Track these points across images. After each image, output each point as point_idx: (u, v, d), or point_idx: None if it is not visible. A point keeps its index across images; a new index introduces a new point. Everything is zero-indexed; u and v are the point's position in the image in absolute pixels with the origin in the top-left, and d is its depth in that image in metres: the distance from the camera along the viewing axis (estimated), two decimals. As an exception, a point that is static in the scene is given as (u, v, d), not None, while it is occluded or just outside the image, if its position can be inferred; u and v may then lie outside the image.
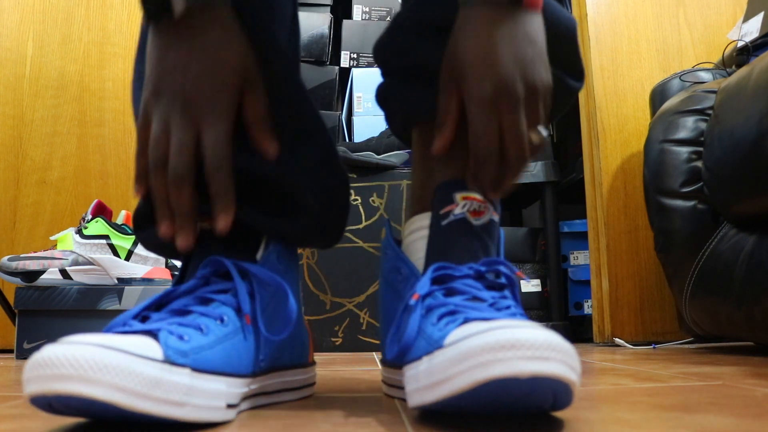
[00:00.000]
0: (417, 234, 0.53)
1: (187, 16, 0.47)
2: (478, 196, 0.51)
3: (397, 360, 0.44)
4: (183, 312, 0.44)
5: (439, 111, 0.51)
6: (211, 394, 0.40)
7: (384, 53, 0.59)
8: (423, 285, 0.46)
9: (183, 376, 0.37)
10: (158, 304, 0.45)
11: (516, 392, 0.34)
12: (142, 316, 0.44)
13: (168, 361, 0.37)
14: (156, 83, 0.47)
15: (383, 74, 0.60)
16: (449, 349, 0.35)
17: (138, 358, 0.35)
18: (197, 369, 0.39)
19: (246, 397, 0.47)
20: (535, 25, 0.49)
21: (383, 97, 0.60)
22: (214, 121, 0.46)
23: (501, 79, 0.47)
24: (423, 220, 0.53)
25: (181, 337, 0.40)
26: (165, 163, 0.47)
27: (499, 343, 0.32)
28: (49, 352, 0.33)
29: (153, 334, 0.39)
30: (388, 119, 0.62)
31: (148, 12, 0.48)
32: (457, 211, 0.51)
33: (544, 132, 0.49)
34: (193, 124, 0.46)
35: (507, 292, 0.48)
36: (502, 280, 0.49)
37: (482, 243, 0.51)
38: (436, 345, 0.38)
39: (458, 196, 0.51)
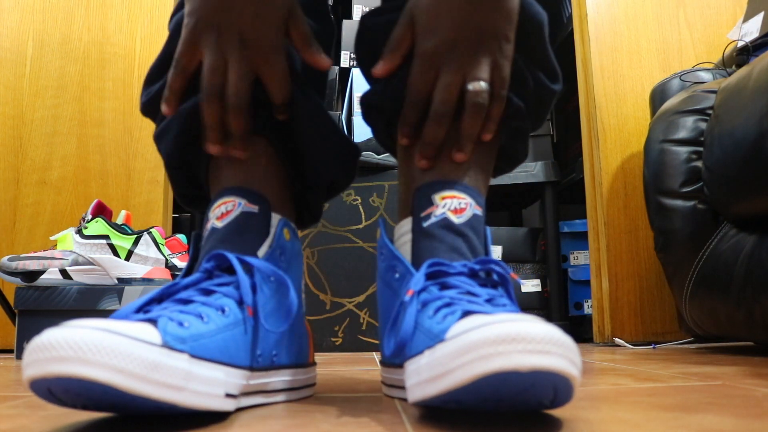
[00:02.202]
0: (404, 238, 0.53)
1: None
2: (458, 194, 0.52)
3: (395, 356, 0.44)
4: (184, 302, 0.45)
5: (390, 40, 0.54)
6: (210, 381, 0.40)
7: (359, 52, 0.62)
8: (417, 281, 0.46)
9: (181, 361, 0.37)
10: (160, 298, 0.46)
11: (517, 386, 0.34)
12: (144, 309, 0.44)
13: (166, 345, 0.37)
14: (209, 18, 0.50)
15: (365, 76, 0.62)
16: (451, 342, 0.35)
17: (137, 341, 0.35)
18: (195, 356, 0.39)
19: (246, 394, 0.47)
20: None
21: (366, 106, 0.61)
22: (273, 60, 0.52)
23: (446, 37, 0.50)
24: (407, 225, 0.53)
25: (180, 324, 0.40)
26: (219, 92, 0.51)
27: (500, 337, 0.32)
28: (48, 335, 0.33)
29: (152, 321, 0.40)
30: (373, 131, 0.64)
31: None
32: (438, 212, 0.51)
33: (483, 87, 0.50)
34: (252, 62, 0.51)
35: (501, 291, 0.48)
36: (495, 278, 0.49)
37: (466, 240, 0.51)
38: (438, 339, 0.38)
39: (437, 197, 0.52)
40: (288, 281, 0.49)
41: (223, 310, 0.45)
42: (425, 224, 0.51)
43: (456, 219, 0.51)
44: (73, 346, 0.32)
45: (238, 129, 0.52)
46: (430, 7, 0.51)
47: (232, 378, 0.43)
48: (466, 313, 0.40)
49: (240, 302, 0.46)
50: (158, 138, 0.59)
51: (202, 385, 0.39)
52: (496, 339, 0.32)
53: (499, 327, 0.33)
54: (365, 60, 0.61)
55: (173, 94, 0.53)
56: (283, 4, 0.51)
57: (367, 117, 0.62)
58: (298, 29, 0.53)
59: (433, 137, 0.52)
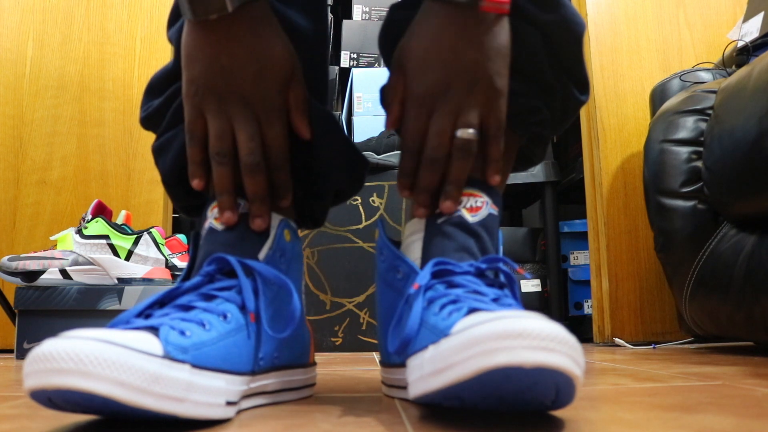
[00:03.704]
0: (414, 237, 0.53)
1: (235, 12, 0.47)
2: (476, 192, 0.51)
3: (399, 353, 0.44)
4: (186, 308, 0.44)
5: (386, 90, 0.53)
6: (211, 391, 0.40)
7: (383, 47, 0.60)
8: (423, 276, 0.46)
9: (183, 372, 0.37)
10: (162, 302, 0.45)
11: (519, 383, 0.34)
12: (146, 314, 0.44)
13: (168, 356, 0.37)
14: (210, 83, 0.49)
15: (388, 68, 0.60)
16: (455, 337, 0.35)
17: (138, 353, 0.35)
18: (197, 365, 0.39)
19: (246, 396, 0.47)
20: (493, 30, 0.48)
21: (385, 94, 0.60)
22: (274, 119, 0.51)
23: (435, 81, 0.48)
24: (418, 224, 0.53)
25: (182, 333, 0.40)
26: (230, 155, 0.50)
27: (505, 332, 0.32)
28: (49, 346, 0.33)
29: (154, 329, 0.39)
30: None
31: (197, 13, 0.47)
32: None
33: (472, 134, 0.49)
34: (255, 120, 0.50)
35: (507, 291, 0.48)
36: (502, 278, 0.49)
37: (479, 240, 0.51)
38: (443, 334, 0.38)
39: None
40: (291, 286, 0.49)
41: (224, 316, 0.44)
42: (439, 221, 0.51)
43: (471, 218, 0.51)
44: (74, 358, 0.32)
45: (256, 191, 0.51)
46: (417, 52, 0.49)
47: (234, 385, 0.43)
48: (472, 310, 0.40)
49: (242, 307, 0.46)
50: (156, 152, 0.58)
51: (203, 395, 0.39)
52: (501, 334, 0.32)
53: (505, 322, 0.33)
54: (389, 52, 0.60)
55: (198, 166, 0.51)
56: (285, 63, 0.50)
57: (384, 104, 0.62)
58: (296, 92, 0.52)
59: (427, 184, 0.51)
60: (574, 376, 0.33)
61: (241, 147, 0.50)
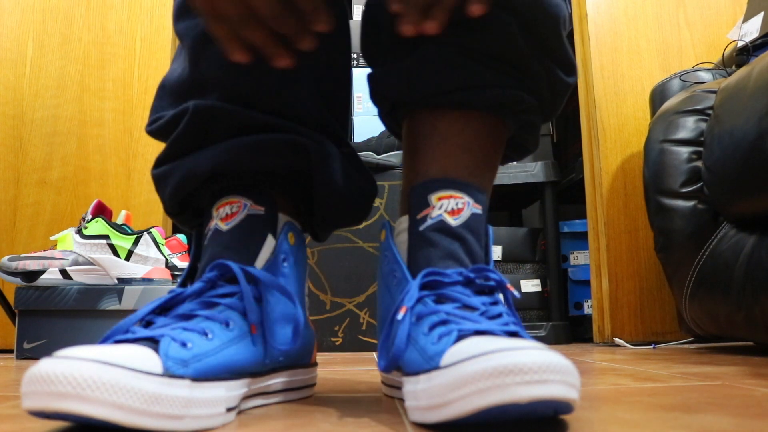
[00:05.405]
0: (402, 236, 0.52)
1: None
2: (455, 193, 0.50)
3: (388, 371, 0.44)
4: (188, 316, 0.44)
5: None
6: (211, 402, 0.40)
7: (363, 43, 0.59)
8: (411, 297, 0.45)
9: (182, 389, 0.37)
10: (163, 308, 0.45)
11: (517, 413, 0.34)
12: (147, 320, 0.44)
13: (167, 374, 0.37)
14: None
15: (370, 65, 0.60)
16: (447, 372, 0.35)
17: (136, 372, 0.34)
18: (197, 378, 0.39)
19: (246, 397, 0.47)
20: None
21: (371, 87, 0.59)
22: None
23: None
24: (406, 223, 0.52)
25: (183, 344, 0.39)
26: (249, 14, 0.46)
27: (497, 369, 0.32)
28: (47, 367, 0.33)
29: (154, 341, 0.39)
30: (379, 111, 0.61)
31: None
32: (434, 214, 0.50)
33: None
34: None
35: (497, 296, 0.47)
36: (491, 283, 0.48)
37: (464, 243, 0.49)
38: (433, 363, 0.38)
39: (433, 197, 0.50)
40: (294, 296, 0.48)
41: (227, 324, 0.44)
42: (421, 228, 0.50)
43: (453, 221, 0.50)
44: (72, 382, 0.32)
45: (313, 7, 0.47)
46: None
47: (234, 391, 0.43)
48: (461, 337, 0.40)
49: (244, 313, 0.46)
50: (156, 181, 0.57)
51: (203, 408, 0.39)
52: (493, 372, 0.32)
53: (496, 358, 0.33)
54: (369, 42, 0.58)
55: (229, 38, 0.47)
56: None
57: (372, 96, 0.60)
58: None
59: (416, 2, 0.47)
60: (571, 400, 0.34)
61: (261, 6, 0.45)
